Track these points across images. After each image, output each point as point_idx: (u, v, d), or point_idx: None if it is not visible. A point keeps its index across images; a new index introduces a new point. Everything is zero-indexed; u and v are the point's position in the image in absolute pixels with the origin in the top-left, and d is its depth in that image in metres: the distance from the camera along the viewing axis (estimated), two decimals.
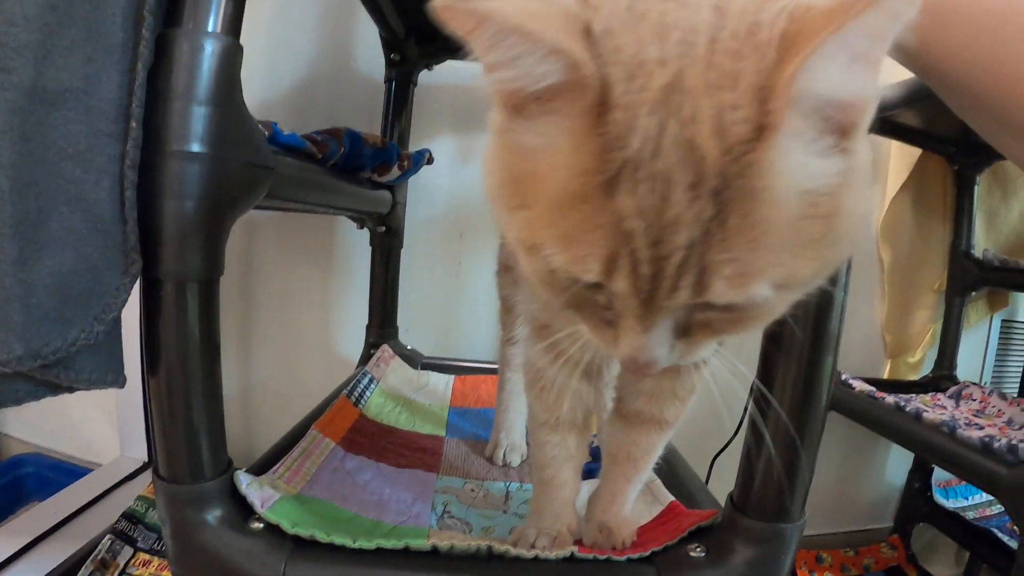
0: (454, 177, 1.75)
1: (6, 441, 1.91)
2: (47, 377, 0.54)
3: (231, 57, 0.61)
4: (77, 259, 0.54)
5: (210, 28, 0.59)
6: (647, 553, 0.70)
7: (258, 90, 1.68)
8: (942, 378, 1.87)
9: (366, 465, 1.04)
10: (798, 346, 0.65)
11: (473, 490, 1.05)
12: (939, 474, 1.94)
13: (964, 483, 1.94)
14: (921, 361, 2.00)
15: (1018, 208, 2.00)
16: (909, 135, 1.73)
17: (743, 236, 0.38)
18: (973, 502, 1.96)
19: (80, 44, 0.54)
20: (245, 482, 0.70)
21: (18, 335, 0.51)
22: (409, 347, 1.68)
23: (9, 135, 0.50)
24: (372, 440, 1.15)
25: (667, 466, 0.99)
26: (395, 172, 1.37)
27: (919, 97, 1.11)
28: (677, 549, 0.71)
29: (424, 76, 1.63)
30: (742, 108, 0.37)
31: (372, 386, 1.37)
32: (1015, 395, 1.69)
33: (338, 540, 0.68)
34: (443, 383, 1.56)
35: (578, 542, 0.77)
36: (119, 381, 0.59)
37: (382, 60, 1.58)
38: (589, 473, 0.87)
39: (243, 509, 0.69)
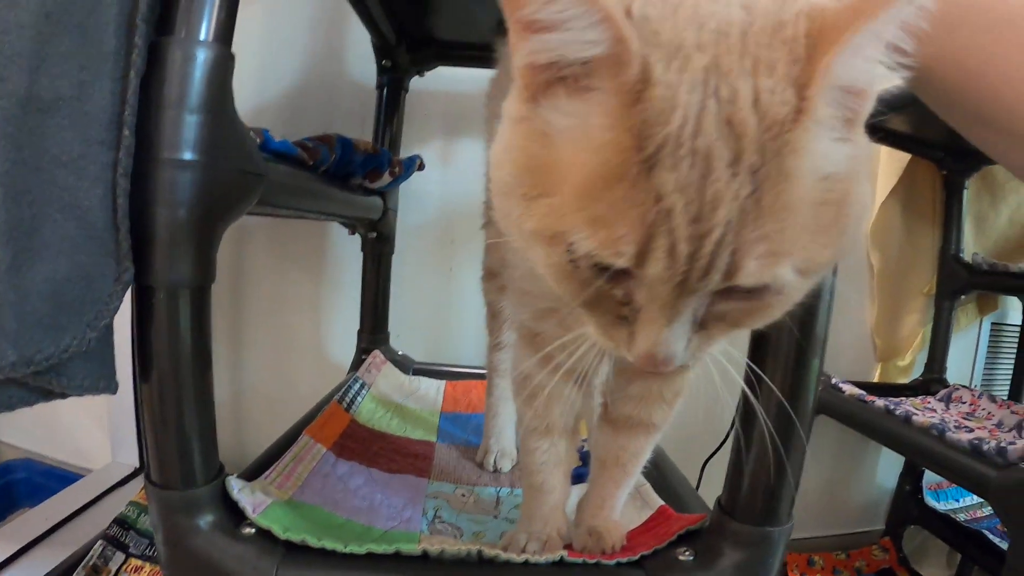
0: (445, 183, 1.76)
1: None
2: (40, 383, 0.54)
3: (223, 65, 0.61)
4: (70, 266, 0.54)
5: (202, 37, 0.59)
6: (636, 557, 0.71)
7: (251, 96, 1.68)
8: (932, 381, 1.88)
9: (357, 470, 1.05)
10: (784, 349, 0.65)
11: (464, 495, 1.05)
12: (930, 477, 1.95)
13: (955, 485, 1.94)
14: (911, 364, 2.02)
15: (1007, 212, 2.02)
16: (898, 140, 1.74)
17: (774, 215, 0.39)
18: (964, 504, 1.96)
19: (74, 52, 0.54)
20: (237, 487, 0.70)
21: (11, 341, 0.51)
22: (400, 352, 1.68)
23: (3, 143, 0.50)
24: (363, 445, 1.15)
25: (657, 471, 0.99)
26: (386, 178, 1.37)
27: (907, 102, 1.13)
28: (666, 553, 0.71)
29: (415, 82, 1.64)
30: (779, 92, 0.39)
31: (363, 392, 1.38)
32: (1005, 398, 1.70)
33: (329, 545, 0.68)
34: (434, 388, 1.57)
35: (568, 546, 0.77)
36: (111, 387, 0.60)
37: (374, 66, 1.58)
38: (579, 477, 0.88)
39: (235, 514, 0.69)
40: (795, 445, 0.66)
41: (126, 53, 0.57)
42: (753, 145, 0.38)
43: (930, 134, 1.69)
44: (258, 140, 0.84)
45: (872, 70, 0.41)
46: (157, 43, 0.58)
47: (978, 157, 1.73)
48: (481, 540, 0.90)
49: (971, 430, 1.48)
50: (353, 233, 1.61)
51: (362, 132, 1.56)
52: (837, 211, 0.42)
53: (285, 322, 1.81)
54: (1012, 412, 1.60)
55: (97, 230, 0.56)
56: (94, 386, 0.58)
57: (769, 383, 0.61)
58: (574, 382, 0.74)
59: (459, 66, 1.61)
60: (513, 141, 0.47)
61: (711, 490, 0.74)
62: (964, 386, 1.80)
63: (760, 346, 0.66)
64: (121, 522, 1.34)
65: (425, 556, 0.69)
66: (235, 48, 0.63)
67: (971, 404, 1.71)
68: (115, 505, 1.43)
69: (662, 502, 0.90)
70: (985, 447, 1.18)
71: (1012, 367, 2.03)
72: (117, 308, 0.57)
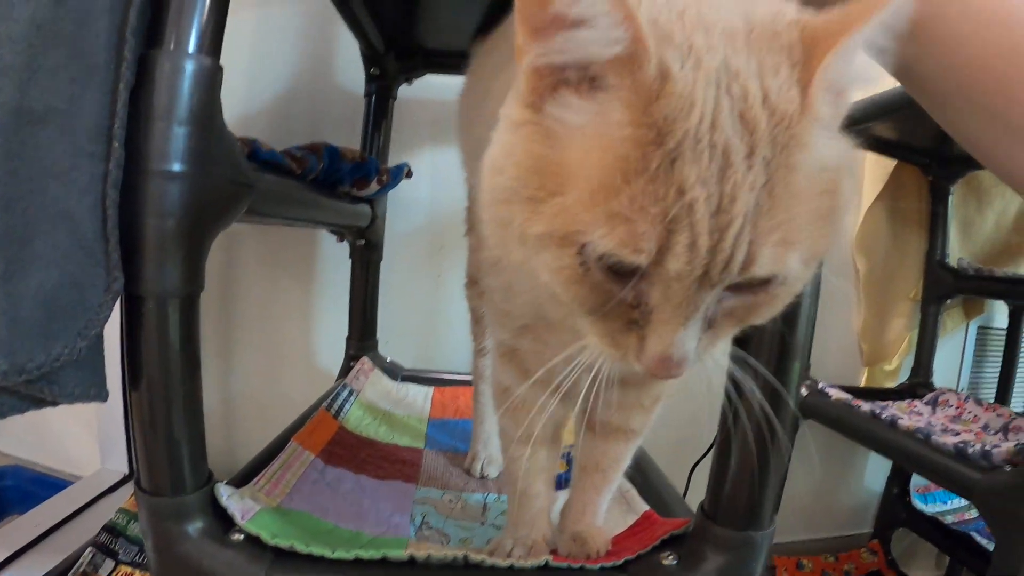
0: (433, 190, 1.77)
1: None
2: (31, 391, 0.55)
3: (211, 77, 0.62)
4: (61, 276, 0.54)
5: (191, 49, 0.60)
6: (620, 562, 0.72)
7: (239, 104, 1.68)
8: (919, 385, 1.89)
9: (346, 477, 1.05)
10: (765, 353, 0.66)
11: (451, 501, 1.05)
12: (917, 480, 1.96)
13: (942, 488, 1.96)
14: (898, 369, 2.03)
15: (992, 217, 2.03)
16: (884, 146, 1.76)
17: (784, 206, 0.41)
18: (951, 507, 1.98)
19: (64, 65, 0.54)
20: (226, 494, 0.71)
21: (3, 350, 0.51)
22: (389, 359, 1.69)
23: None
24: (352, 452, 1.15)
25: (643, 476, 1.00)
26: (374, 186, 1.38)
27: (894, 108, 1.14)
28: (649, 557, 0.72)
29: (403, 90, 1.64)
30: (786, 91, 0.42)
31: (352, 399, 1.38)
32: (991, 401, 1.72)
33: (317, 551, 0.68)
34: (422, 395, 1.57)
35: (554, 552, 0.78)
36: (102, 395, 0.60)
37: (362, 74, 1.59)
38: (565, 482, 0.88)
39: (224, 521, 0.69)
40: (777, 449, 0.66)
41: (116, 66, 0.57)
42: (765, 139, 0.41)
43: (916, 140, 1.70)
44: (247, 150, 0.84)
45: (856, 72, 0.44)
46: (146, 55, 0.59)
47: (964, 162, 1.75)
48: (468, 546, 0.91)
49: (957, 433, 1.49)
50: (342, 240, 1.62)
51: (350, 140, 1.56)
52: (832, 201, 0.44)
53: (274, 329, 1.81)
54: (998, 415, 1.61)
55: (87, 240, 0.56)
56: (85, 394, 0.58)
57: (751, 387, 0.62)
58: (552, 392, 0.74)
59: (447, 74, 1.62)
60: (516, 145, 0.47)
61: (699, 495, 0.75)
62: (951, 389, 1.81)
63: (741, 351, 0.67)
64: (111, 529, 1.34)
65: (412, 561, 0.70)
66: (223, 57, 0.63)
67: (957, 407, 1.72)
68: (105, 512, 1.43)
69: (647, 507, 0.91)
70: (970, 450, 1.19)
71: (998, 370, 2.04)
72: (107, 317, 0.58)
